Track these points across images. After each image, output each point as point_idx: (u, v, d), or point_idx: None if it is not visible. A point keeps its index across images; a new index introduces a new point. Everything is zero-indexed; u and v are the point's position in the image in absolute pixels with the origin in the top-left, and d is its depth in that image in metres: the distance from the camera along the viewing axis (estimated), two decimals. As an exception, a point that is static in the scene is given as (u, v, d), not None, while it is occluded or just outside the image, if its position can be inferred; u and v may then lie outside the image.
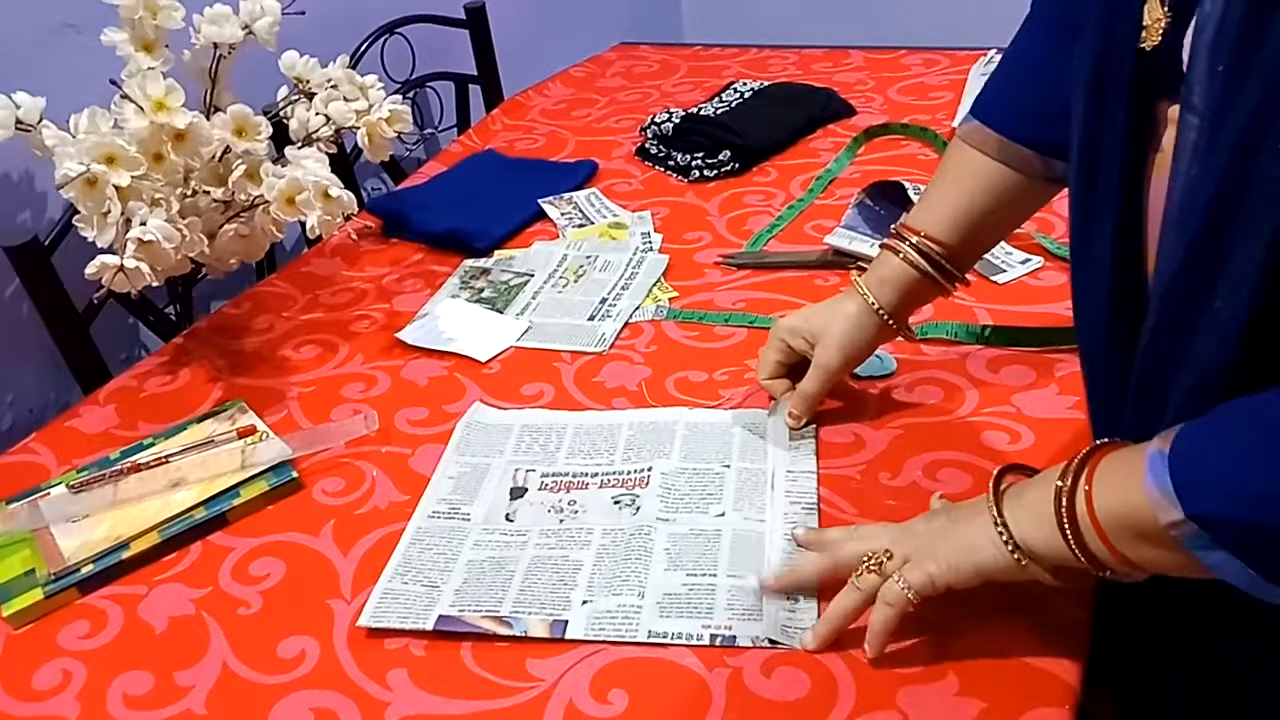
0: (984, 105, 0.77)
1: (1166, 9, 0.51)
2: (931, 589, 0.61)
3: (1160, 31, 0.51)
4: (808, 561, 0.69)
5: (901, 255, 0.79)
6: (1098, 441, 0.57)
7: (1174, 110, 0.52)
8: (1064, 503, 0.55)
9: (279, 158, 1.01)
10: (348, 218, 1.00)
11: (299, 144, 1.04)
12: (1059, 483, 0.56)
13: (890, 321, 0.80)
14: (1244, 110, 0.45)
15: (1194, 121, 0.49)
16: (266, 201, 0.98)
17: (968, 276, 0.81)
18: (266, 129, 0.99)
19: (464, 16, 1.71)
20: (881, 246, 0.82)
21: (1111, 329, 0.61)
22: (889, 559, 0.63)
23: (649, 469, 0.81)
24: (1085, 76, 0.58)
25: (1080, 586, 0.59)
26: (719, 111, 1.37)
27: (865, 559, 0.64)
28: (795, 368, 0.85)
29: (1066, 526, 0.55)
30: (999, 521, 0.59)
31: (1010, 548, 0.58)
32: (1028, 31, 0.76)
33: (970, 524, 0.61)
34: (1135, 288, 0.58)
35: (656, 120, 1.34)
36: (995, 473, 0.63)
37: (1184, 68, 0.50)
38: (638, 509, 0.77)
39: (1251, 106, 0.45)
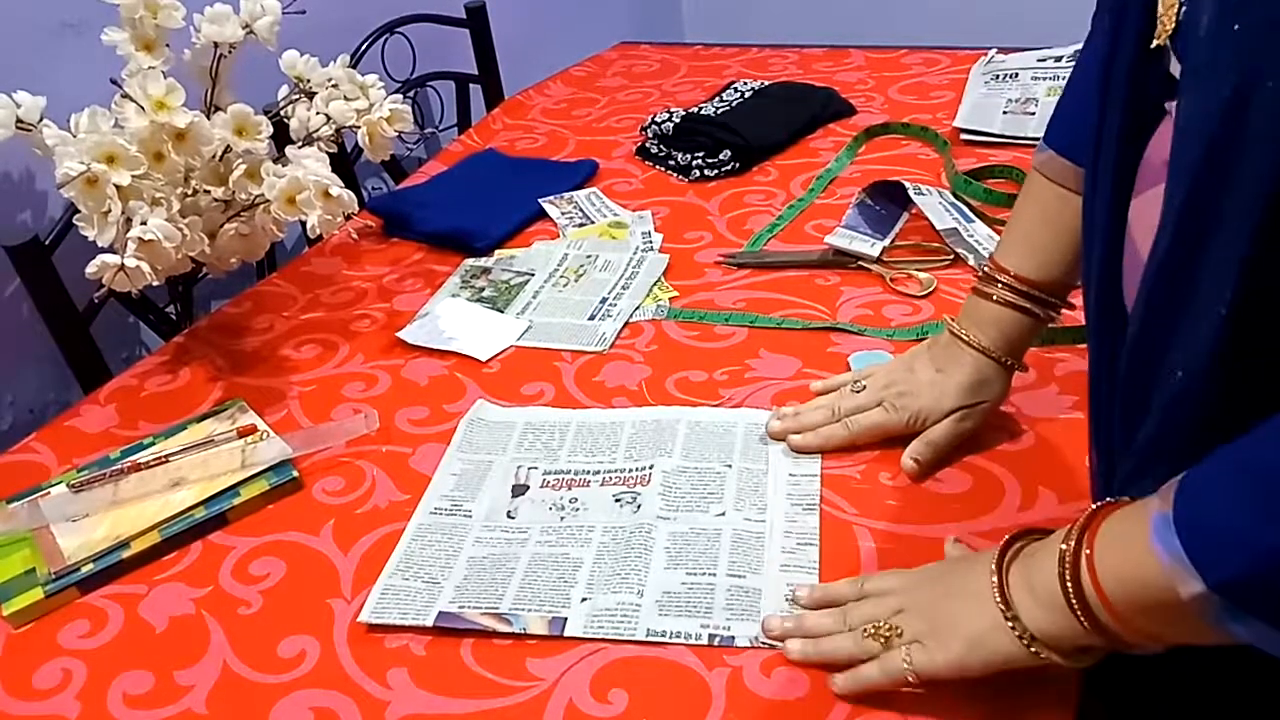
0: (1055, 132, 0.74)
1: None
2: (935, 677, 0.59)
3: (1175, 18, 0.49)
4: (827, 642, 0.64)
5: (995, 298, 0.76)
6: (1097, 504, 0.53)
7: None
8: (1068, 575, 0.52)
9: (279, 157, 1.01)
10: (348, 217, 1.00)
11: (299, 143, 1.04)
12: (1062, 546, 0.52)
13: (1010, 363, 0.78)
14: (1232, 69, 0.43)
15: (1185, 86, 0.48)
16: (267, 201, 0.98)
17: (1070, 300, 0.77)
18: (267, 128, 0.99)
19: (464, 16, 1.71)
20: (974, 291, 0.79)
21: (1099, 335, 0.60)
22: (898, 635, 0.61)
23: (650, 467, 0.81)
24: (1094, 83, 0.57)
25: (1093, 664, 0.56)
26: (719, 111, 1.37)
27: (874, 625, 0.62)
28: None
29: (1074, 602, 0.51)
30: (1009, 615, 0.55)
31: (1025, 641, 0.55)
32: (1087, 48, 0.73)
33: (979, 610, 0.57)
34: (1119, 295, 0.58)
35: (657, 120, 1.34)
36: (997, 553, 0.58)
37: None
38: (639, 507, 0.77)
39: (1239, 65, 0.43)
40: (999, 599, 0.56)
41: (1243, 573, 0.42)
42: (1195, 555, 0.44)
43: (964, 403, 0.77)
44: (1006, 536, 0.60)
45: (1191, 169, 0.46)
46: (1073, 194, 0.71)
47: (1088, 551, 0.51)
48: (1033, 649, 0.55)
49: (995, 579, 0.57)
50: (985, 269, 0.78)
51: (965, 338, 0.78)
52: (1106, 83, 0.55)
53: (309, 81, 1.06)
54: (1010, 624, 0.55)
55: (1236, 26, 0.43)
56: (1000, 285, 0.76)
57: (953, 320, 0.80)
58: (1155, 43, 0.51)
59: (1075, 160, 0.71)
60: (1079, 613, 0.51)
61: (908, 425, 0.78)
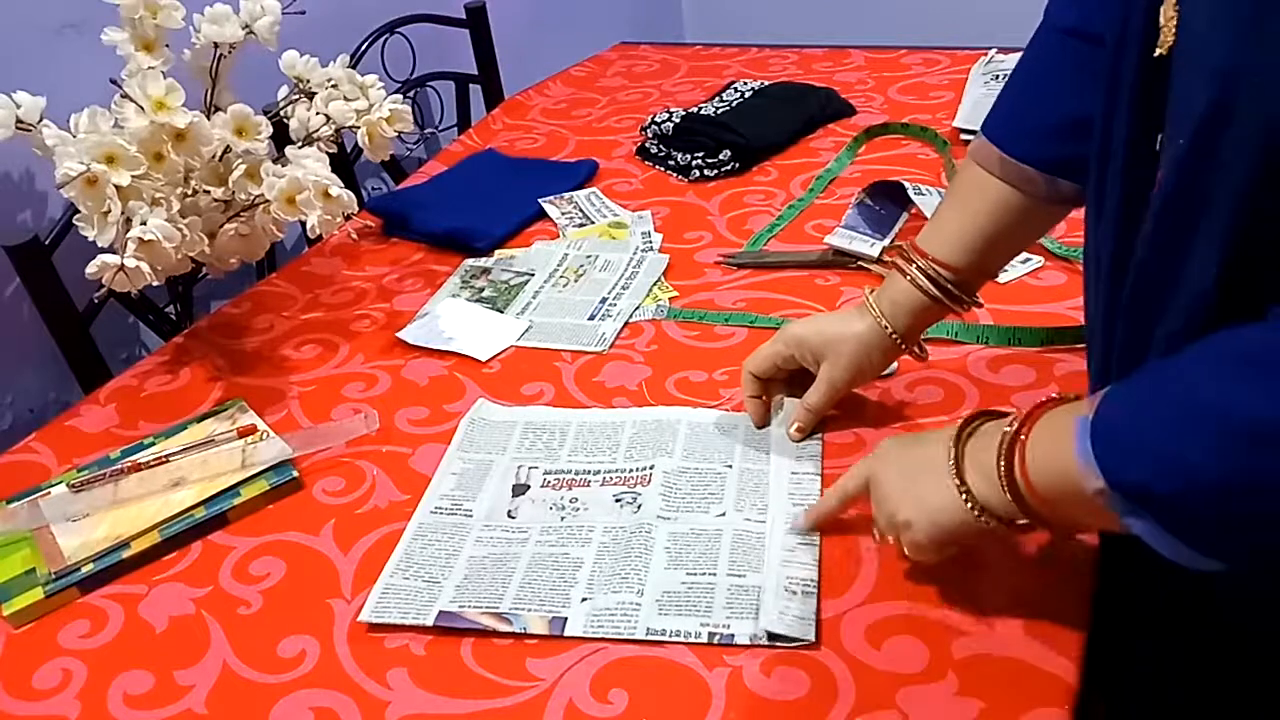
0: (990, 120, 0.75)
1: (1179, 6, 0.50)
2: (921, 554, 0.65)
3: (1174, 31, 0.50)
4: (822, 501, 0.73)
5: (910, 279, 0.77)
6: (1042, 399, 0.58)
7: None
8: (1003, 457, 0.57)
9: (279, 157, 1.01)
10: (348, 217, 1.00)
11: (299, 143, 1.04)
12: (1006, 429, 0.58)
13: (901, 343, 0.79)
14: (1216, 50, 0.46)
15: (1174, 85, 0.50)
16: (267, 201, 0.98)
17: (979, 298, 0.79)
18: (267, 128, 0.99)
19: (464, 16, 1.71)
20: (890, 264, 0.80)
21: (1106, 333, 0.61)
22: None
23: (651, 467, 0.81)
24: (1103, 87, 0.57)
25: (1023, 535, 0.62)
26: (719, 111, 1.37)
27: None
28: (789, 372, 0.84)
29: (1005, 482, 0.57)
30: (961, 487, 0.60)
31: (976, 512, 0.60)
32: (1037, 40, 0.74)
33: (935, 481, 0.62)
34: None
35: (657, 120, 1.34)
36: (957, 428, 0.63)
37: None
38: (639, 507, 0.77)
39: (1224, 60, 0.45)
40: (952, 472, 0.61)
41: (1138, 476, 0.48)
42: (1101, 456, 0.50)
43: (853, 352, 0.80)
44: (966, 415, 0.65)
45: (1179, 156, 0.48)
46: (995, 179, 0.74)
47: (1023, 439, 0.57)
48: (983, 519, 0.60)
49: (952, 460, 0.62)
50: (905, 248, 0.79)
51: (869, 303, 0.80)
52: (1114, 88, 0.56)
53: (309, 81, 1.06)
54: (963, 495, 0.60)
55: (1223, 20, 0.45)
56: (917, 269, 0.77)
57: (870, 290, 0.81)
58: (1158, 52, 0.52)
59: (1007, 152, 0.72)
60: (1008, 492, 0.57)
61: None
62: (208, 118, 0.97)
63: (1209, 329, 0.48)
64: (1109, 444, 0.50)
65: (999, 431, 0.59)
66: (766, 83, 1.47)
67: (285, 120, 1.06)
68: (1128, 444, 0.49)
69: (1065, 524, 0.58)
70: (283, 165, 1.00)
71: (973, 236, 0.75)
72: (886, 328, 0.78)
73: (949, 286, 0.76)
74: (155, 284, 0.92)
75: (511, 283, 1.11)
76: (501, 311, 1.06)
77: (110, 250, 0.89)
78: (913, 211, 1.09)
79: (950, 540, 0.63)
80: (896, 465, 0.67)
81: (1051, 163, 0.70)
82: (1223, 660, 0.64)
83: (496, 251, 1.18)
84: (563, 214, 1.23)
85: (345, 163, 1.51)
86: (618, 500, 0.79)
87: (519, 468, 0.84)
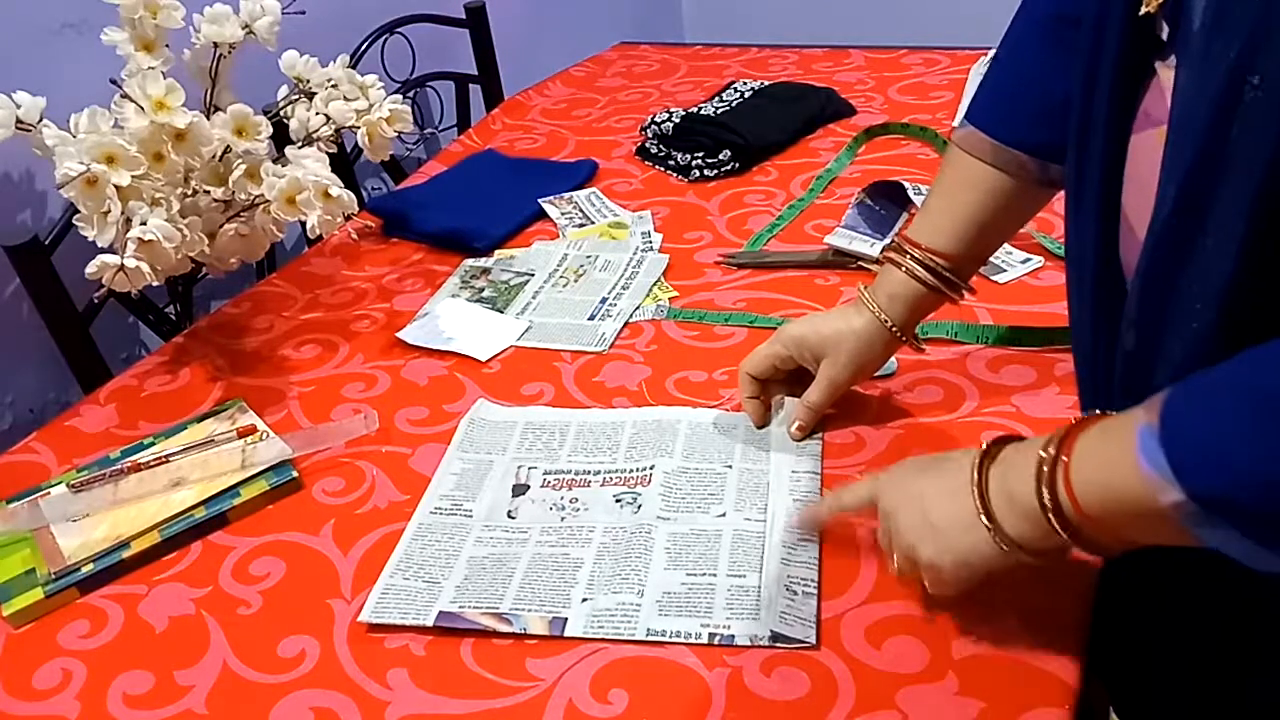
0: (976, 109, 0.76)
1: None
2: (944, 590, 0.62)
3: None
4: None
5: (905, 269, 0.78)
6: (1076, 417, 0.55)
7: (1167, 65, 0.51)
8: (1045, 485, 0.53)
9: (279, 157, 1.01)
10: (348, 217, 1.00)
11: (299, 144, 1.04)
12: (1042, 452, 0.54)
13: (900, 335, 0.79)
14: (1232, 42, 0.45)
15: (1184, 64, 0.49)
16: (267, 201, 0.98)
17: (972, 285, 0.80)
18: (267, 128, 0.99)
19: (464, 16, 1.71)
20: (884, 259, 0.81)
21: (1095, 311, 0.61)
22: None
23: (651, 467, 0.81)
24: (1083, 57, 0.58)
25: (1056, 560, 0.58)
26: (719, 111, 1.37)
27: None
28: (787, 371, 0.84)
29: (1048, 507, 0.53)
30: (992, 527, 0.57)
31: (1007, 549, 0.57)
32: (1017, 28, 0.75)
33: (959, 520, 0.59)
34: (1118, 268, 0.58)
35: (657, 120, 1.34)
36: (976, 459, 0.59)
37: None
38: (639, 507, 0.77)
39: (1240, 37, 0.44)
40: (983, 515, 0.57)
41: (1220, 488, 0.45)
42: (1177, 466, 0.46)
43: (853, 349, 0.80)
44: (974, 469, 0.59)
45: (1188, 152, 0.48)
46: (985, 165, 0.74)
47: (1065, 460, 0.53)
48: (1008, 550, 0.57)
49: (980, 505, 0.58)
50: (897, 243, 0.80)
51: (865, 299, 0.80)
52: (1094, 61, 0.56)
53: (309, 82, 1.06)
54: (994, 537, 0.57)
55: (1230, 19, 0.45)
56: (912, 260, 0.78)
57: (865, 286, 0.81)
58: (1144, 10, 0.52)
59: (996, 138, 0.73)
60: (1055, 520, 0.53)
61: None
62: (208, 118, 0.97)
63: (1233, 321, 0.47)
64: (1185, 453, 0.46)
65: (1028, 459, 0.55)
66: (766, 83, 1.47)
67: (285, 120, 1.06)
68: (1206, 452, 0.45)
69: (1115, 544, 0.54)
70: (283, 165, 1.00)
71: (965, 224, 0.76)
72: (885, 321, 0.79)
73: (946, 274, 0.77)
74: (155, 284, 0.92)
75: (511, 283, 1.11)
76: (501, 311, 1.06)
77: (110, 250, 0.89)
78: (912, 211, 1.09)
79: (978, 578, 0.60)
80: (914, 501, 0.62)
81: (1043, 146, 0.71)
82: (1224, 641, 0.64)
83: (496, 251, 1.18)
84: (563, 214, 1.23)
85: (345, 163, 1.51)
86: (618, 500, 0.79)
87: (519, 468, 0.84)
